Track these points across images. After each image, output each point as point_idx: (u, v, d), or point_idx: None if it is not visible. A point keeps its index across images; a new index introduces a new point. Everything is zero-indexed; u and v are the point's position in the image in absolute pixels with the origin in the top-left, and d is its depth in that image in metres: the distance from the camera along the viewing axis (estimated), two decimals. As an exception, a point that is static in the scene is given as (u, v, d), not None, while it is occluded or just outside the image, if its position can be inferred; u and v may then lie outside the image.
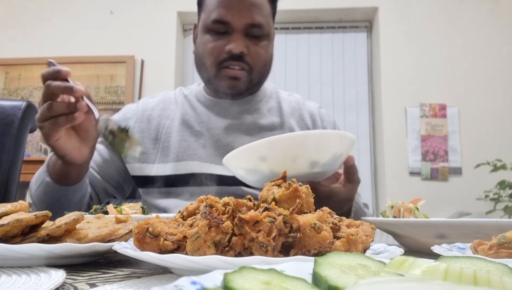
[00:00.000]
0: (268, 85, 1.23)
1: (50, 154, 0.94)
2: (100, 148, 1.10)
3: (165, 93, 1.21)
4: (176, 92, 1.21)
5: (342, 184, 0.86)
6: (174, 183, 1.06)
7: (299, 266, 0.27)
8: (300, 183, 0.48)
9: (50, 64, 0.81)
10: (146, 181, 1.08)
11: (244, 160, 0.77)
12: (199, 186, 1.04)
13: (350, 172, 0.85)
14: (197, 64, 1.12)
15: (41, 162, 1.15)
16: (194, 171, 1.05)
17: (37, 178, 0.98)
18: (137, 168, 1.09)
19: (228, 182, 1.04)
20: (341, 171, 0.89)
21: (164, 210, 1.05)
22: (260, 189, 0.54)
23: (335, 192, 0.83)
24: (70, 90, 0.78)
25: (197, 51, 1.11)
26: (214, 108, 1.13)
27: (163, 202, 1.06)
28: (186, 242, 0.40)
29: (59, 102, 0.79)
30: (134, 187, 1.20)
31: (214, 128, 1.10)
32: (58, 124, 0.79)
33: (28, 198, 2.98)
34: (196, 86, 1.21)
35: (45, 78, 0.79)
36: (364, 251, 0.44)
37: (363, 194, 1.24)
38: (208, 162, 1.06)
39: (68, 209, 0.98)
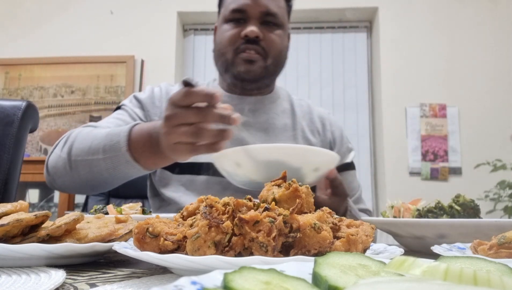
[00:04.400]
0: (281, 88, 1.27)
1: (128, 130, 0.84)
2: (118, 122, 1.06)
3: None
4: None
5: (328, 196, 0.88)
6: (189, 171, 1.07)
7: (299, 266, 0.27)
8: (300, 183, 0.48)
9: (187, 83, 0.71)
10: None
11: (224, 164, 0.81)
12: (212, 176, 1.05)
13: (333, 185, 0.86)
14: (215, 56, 1.15)
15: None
16: (208, 161, 1.05)
17: (102, 149, 0.85)
18: None
19: None
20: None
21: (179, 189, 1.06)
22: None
23: (319, 203, 0.83)
24: (227, 120, 0.72)
25: (216, 43, 1.15)
26: (231, 103, 1.13)
27: (177, 189, 1.06)
28: (186, 242, 0.40)
29: (210, 130, 0.72)
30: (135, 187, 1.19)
31: None
32: (197, 150, 0.74)
33: (28, 198, 2.99)
34: (212, 82, 1.24)
35: (193, 100, 0.71)
36: (364, 251, 0.44)
37: (364, 194, 1.25)
38: None
39: (109, 187, 0.94)
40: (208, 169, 1.05)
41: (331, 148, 1.18)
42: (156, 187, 1.12)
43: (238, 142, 1.07)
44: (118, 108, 1.12)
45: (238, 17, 1.09)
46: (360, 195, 1.19)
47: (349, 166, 1.19)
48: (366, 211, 1.16)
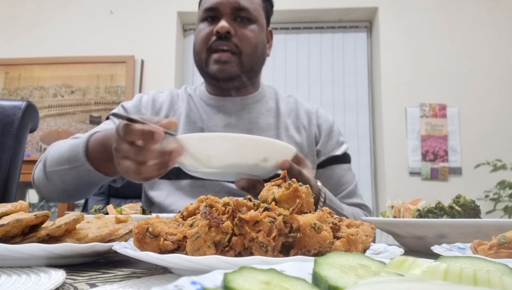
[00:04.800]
0: (268, 86, 1.26)
1: (88, 134, 0.88)
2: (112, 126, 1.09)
3: (172, 90, 1.25)
4: (182, 90, 1.25)
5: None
6: (175, 175, 1.07)
7: (299, 266, 0.27)
8: (300, 183, 0.48)
9: (117, 116, 0.73)
10: None
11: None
12: (197, 180, 1.06)
13: (291, 176, 0.83)
14: (194, 57, 1.16)
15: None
16: None
17: (67, 160, 0.89)
18: None
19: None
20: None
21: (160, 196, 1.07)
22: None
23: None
24: (168, 154, 0.72)
25: (194, 43, 1.16)
26: (214, 106, 1.16)
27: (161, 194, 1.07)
28: (186, 242, 0.40)
29: (151, 165, 0.73)
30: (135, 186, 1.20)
31: (213, 125, 1.13)
32: (143, 176, 0.74)
33: (28, 198, 2.99)
34: (200, 85, 1.25)
35: (132, 138, 0.71)
36: (364, 251, 0.44)
37: (364, 194, 1.24)
38: None
39: (85, 195, 0.98)
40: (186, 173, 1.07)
41: (316, 142, 1.16)
42: (145, 189, 1.14)
43: None
44: (107, 118, 1.15)
45: (212, 15, 1.10)
46: (353, 189, 1.16)
47: (339, 159, 1.17)
48: (361, 206, 1.13)
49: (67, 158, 0.89)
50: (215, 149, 0.73)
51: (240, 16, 1.09)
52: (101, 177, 0.89)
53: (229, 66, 1.08)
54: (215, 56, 1.07)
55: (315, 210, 0.88)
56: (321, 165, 1.15)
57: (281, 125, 1.15)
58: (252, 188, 0.81)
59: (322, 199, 0.91)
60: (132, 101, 1.19)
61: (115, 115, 0.73)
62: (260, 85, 1.23)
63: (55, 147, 0.97)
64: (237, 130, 1.11)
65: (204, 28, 1.10)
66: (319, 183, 0.93)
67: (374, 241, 1.10)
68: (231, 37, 1.07)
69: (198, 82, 1.26)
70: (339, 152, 1.17)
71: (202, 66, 1.12)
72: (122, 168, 0.75)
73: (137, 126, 0.70)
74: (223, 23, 1.06)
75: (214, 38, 1.07)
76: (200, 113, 1.15)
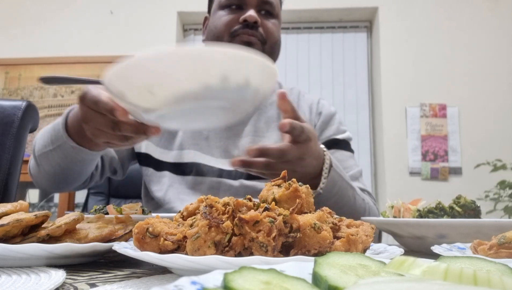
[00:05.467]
0: None
1: (68, 109, 0.84)
2: None
3: None
4: None
5: (289, 143, 0.76)
6: (175, 171, 1.07)
7: (299, 266, 0.27)
8: (300, 183, 0.48)
9: (45, 80, 0.63)
10: (147, 161, 1.09)
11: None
12: (197, 176, 1.05)
13: (294, 133, 0.73)
14: (208, 40, 1.12)
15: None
16: (195, 161, 1.06)
17: (50, 140, 0.86)
18: (141, 145, 1.10)
19: (227, 175, 1.05)
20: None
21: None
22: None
23: (284, 152, 0.74)
24: (143, 130, 0.63)
25: (210, 29, 1.12)
26: None
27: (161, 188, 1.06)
28: (186, 242, 0.40)
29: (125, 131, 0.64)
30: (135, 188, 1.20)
31: None
32: (112, 144, 0.70)
33: (28, 198, 2.99)
34: None
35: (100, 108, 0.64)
36: (364, 251, 0.44)
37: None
38: (209, 154, 1.07)
39: (77, 179, 0.94)
40: (195, 170, 1.05)
41: (315, 127, 1.12)
42: (146, 184, 1.12)
43: (225, 139, 1.08)
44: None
45: (235, 3, 1.08)
46: (356, 175, 1.08)
47: (340, 144, 1.11)
48: (364, 191, 1.06)
49: (50, 138, 0.86)
50: (154, 72, 0.50)
51: (265, 9, 1.09)
52: (85, 152, 0.83)
53: (255, 50, 1.03)
54: (242, 37, 1.05)
55: (321, 173, 0.82)
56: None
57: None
58: (248, 166, 0.74)
59: (327, 162, 0.82)
60: None
61: (42, 79, 0.64)
62: None
63: (41, 132, 0.95)
64: (242, 124, 1.10)
65: (226, 14, 1.08)
66: (322, 146, 0.85)
67: (380, 240, 1.06)
68: (258, 27, 1.06)
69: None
70: (339, 136, 1.12)
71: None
72: (89, 133, 0.70)
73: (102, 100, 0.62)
74: (252, 12, 1.04)
75: (239, 25, 1.05)
76: None
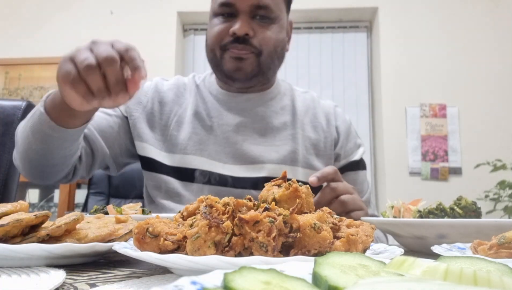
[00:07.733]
0: (283, 82, 1.18)
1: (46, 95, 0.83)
2: (109, 118, 1.04)
3: (178, 78, 1.14)
4: (189, 78, 1.15)
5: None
6: (178, 176, 1.02)
7: (299, 266, 0.27)
8: (300, 183, 0.48)
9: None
10: (150, 165, 1.04)
11: None
12: (203, 184, 1.00)
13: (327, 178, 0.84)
14: (206, 53, 1.06)
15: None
16: (200, 167, 1.01)
17: (30, 127, 0.85)
18: (144, 148, 1.04)
19: (234, 183, 1.00)
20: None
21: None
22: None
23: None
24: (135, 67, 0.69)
25: (206, 37, 1.06)
26: (226, 102, 1.07)
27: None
28: (186, 242, 0.40)
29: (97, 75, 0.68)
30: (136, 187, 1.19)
31: (225, 124, 1.04)
32: (91, 99, 0.69)
33: (28, 198, 2.99)
34: (209, 75, 1.14)
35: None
36: (364, 251, 0.44)
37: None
38: (217, 160, 1.02)
39: (59, 166, 0.91)
40: (200, 177, 1.01)
41: (335, 145, 1.10)
42: (149, 191, 1.07)
43: (233, 145, 1.03)
44: None
45: (227, 11, 0.99)
46: (368, 199, 1.11)
47: (358, 165, 1.10)
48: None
49: (31, 124, 0.85)
50: None
51: (260, 14, 0.99)
52: (64, 131, 0.82)
53: (246, 64, 0.99)
54: (231, 52, 0.98)
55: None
56: (340, 170, 1.03)
57: (297, 125, 1.07)
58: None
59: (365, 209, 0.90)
60: None
61: None
62: (276, 81, 1.14)
63: (22, 122, 0.93)
64: (250, 131, 1.04)
65: (218, 24, 1.00)
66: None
67: (387, 241, 1.08)
68: (249, 39, 0.97)
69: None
70: (357, 156, 1.11)
71: (216, 63, 1.02)
72: (61, 73, 0.70)
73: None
74: (240, 25, 0.96)
75: (229, 38, 0.98)
76: (209, 109, 1.06)
